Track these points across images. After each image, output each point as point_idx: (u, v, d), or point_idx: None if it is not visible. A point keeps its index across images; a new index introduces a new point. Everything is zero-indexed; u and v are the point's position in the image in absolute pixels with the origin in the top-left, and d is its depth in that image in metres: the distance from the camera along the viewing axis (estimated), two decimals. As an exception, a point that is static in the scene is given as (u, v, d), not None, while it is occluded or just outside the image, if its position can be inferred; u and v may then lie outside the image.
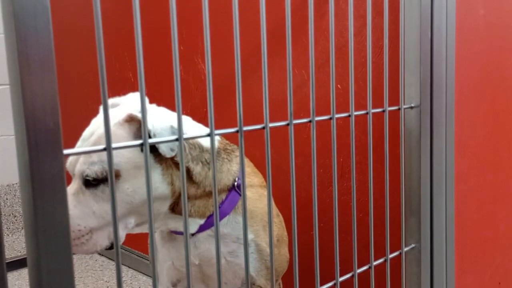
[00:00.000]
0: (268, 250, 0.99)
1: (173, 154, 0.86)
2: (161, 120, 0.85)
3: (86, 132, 0.91)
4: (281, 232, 1.05)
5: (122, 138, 0.86)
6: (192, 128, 0.95)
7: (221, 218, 0.96)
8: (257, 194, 1.01)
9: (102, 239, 0.88)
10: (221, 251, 0.98)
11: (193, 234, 0.97)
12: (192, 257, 1.00)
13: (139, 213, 0.89)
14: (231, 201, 0.96)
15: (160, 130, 0.84)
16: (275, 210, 1.09)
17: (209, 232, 0.97)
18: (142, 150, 0.86)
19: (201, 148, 0.94)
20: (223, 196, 0.96)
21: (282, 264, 1.05)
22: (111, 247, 0.91)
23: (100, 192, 0.86)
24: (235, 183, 0.97)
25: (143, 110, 0.49)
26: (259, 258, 0.99)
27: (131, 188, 0.86)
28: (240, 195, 0.97)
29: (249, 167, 1.05)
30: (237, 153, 1.01)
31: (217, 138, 0.98)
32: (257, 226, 0.99)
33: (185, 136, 0.54)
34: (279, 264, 1.04)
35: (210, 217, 0.95)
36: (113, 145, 0.48)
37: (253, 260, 0.98)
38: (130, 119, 0.86)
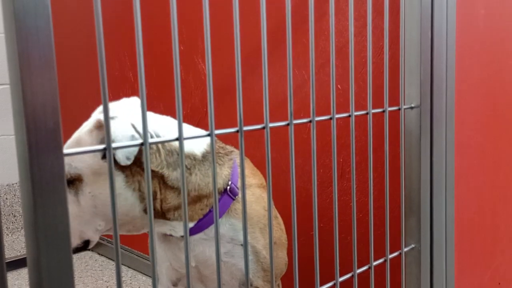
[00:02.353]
0: (264, 252, 0.99)
1: (128, 162, 0.84)
2: (124, 129, 0.84)
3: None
4: (279, 234, 1.04)
5: (87, 145, 0.86)
6: (175, 130, 0.93)
7: (213, 222, 0.95)
8: (253, 196, 1.00)
9: (73, 239, 0.89)
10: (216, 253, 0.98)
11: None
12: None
13: (106, 216, 0.89)
14: (224, 204, 0.95)
15: (121, 138, 0.83)
16: (273, 211, 1.08)
17: (202, 235, 0.96)
18: (102, 158, 0.86)
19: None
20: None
21: (279, 266, 1.04)
22: (81, 249, 0.92)
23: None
24: (228, 187, 0.95)
25: (143, 109, 0.49)
26: (256, 260, 0.98)
27: (92, 193, 0.87)
28: (233, 199, 0.96)
29: (247, 167, 1.04)
30: (231, 156, 0.99)
31: (207, 141, 0.96)
32: (253, 228, 0.98)
33: (178, 137, 0.54)
34: (276, 266, 1.03)
35: (200, 220, 0.95)
36: (113, 144, 0.48)
37: (250, 262, 0.98)
38: (99, 125, 0.86)
